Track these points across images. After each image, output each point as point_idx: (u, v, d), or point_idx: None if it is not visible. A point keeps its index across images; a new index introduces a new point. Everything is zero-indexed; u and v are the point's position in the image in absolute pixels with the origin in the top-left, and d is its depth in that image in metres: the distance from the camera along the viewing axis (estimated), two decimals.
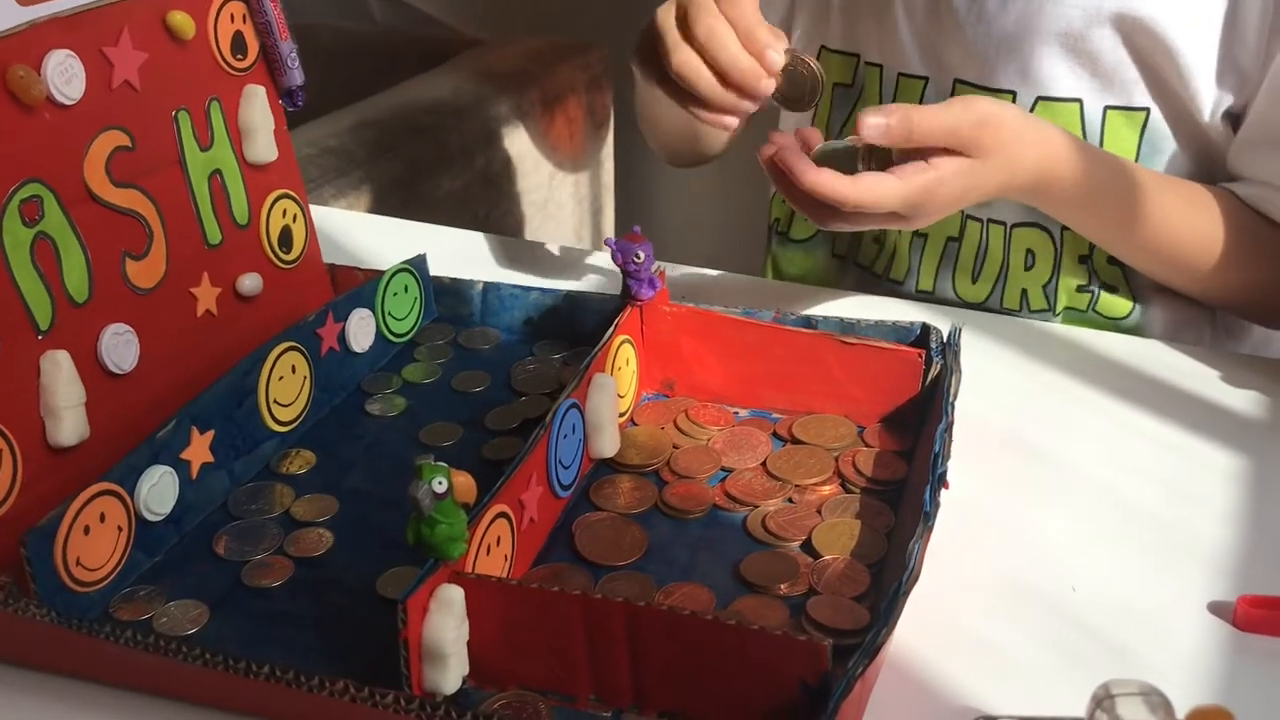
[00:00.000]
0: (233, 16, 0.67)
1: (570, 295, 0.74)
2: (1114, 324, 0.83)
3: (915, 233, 0.85)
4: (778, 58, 0.64)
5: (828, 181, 0.61)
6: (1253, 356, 0.74)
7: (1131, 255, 0.78)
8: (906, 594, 0.46)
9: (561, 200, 1.66)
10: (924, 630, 0.50)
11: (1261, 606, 0.51)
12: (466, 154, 1.45)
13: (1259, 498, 0.60)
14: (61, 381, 0.56)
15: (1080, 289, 0.83)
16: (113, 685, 0.49)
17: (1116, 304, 0.83)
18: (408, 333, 0.75)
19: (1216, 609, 0.52)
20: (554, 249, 0.92)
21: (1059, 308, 0.83)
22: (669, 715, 0.47)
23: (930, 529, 0.50)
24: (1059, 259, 0.82)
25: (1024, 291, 0.83)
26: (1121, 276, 0.82)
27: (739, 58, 0.64)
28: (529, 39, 1.72)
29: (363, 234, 0.92)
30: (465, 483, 0.47)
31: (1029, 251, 0.82)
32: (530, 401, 0.68)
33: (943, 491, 0.52)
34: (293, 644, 0.51)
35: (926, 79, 0.82)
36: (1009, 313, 0.84)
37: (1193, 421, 0.66)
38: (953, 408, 0.58)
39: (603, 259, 0.89)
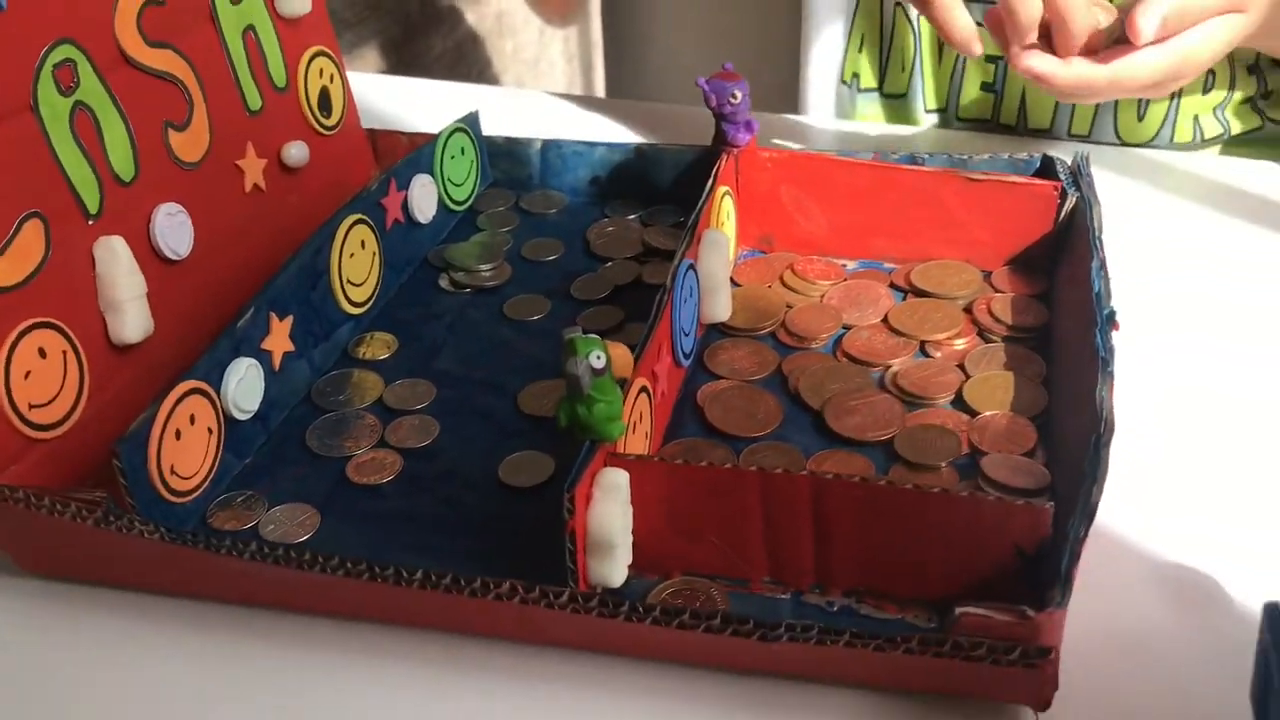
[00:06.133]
0: None
1: (640, 149, 0.68)
2: (1278, 125, 0.78)
3: None
4: None
5: (1080, 74, 0.57)
6: None
7: None
8: (1107, 446, 0.42)
9: (553, 58, 1.57)
10: (1115, 484, 0.45)
11: None
12: (456, 11, 1.36)
13: None
14: (121, 271, 0.49)
15: (1246, 102, 0.78)
16: (223, 602, 0.44)
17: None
18: (466, 199, 0.68)
19: None
20: (570, 99, 0.85)
21: (1234, 131, 0.78)
22: (855, 594, 0.43)
23: (1112, 375, 0.46)
24: (1234, 73, 0.76)
25: (1196, 119, 0.77)
26: None
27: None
28: None
29: (380, 96, 0.85)
30: (622, 356, 0.42)
31: (1209, 72, 0.75)
32: (617, 267, 0.63)
33: (1113, 334, 0.48)
34: (418, 544, 0.46)
35: None
36: (1183, 148, 0.78)
37: None
38: (1101, 243, 0.53)
39: (634, 107, 0.83)
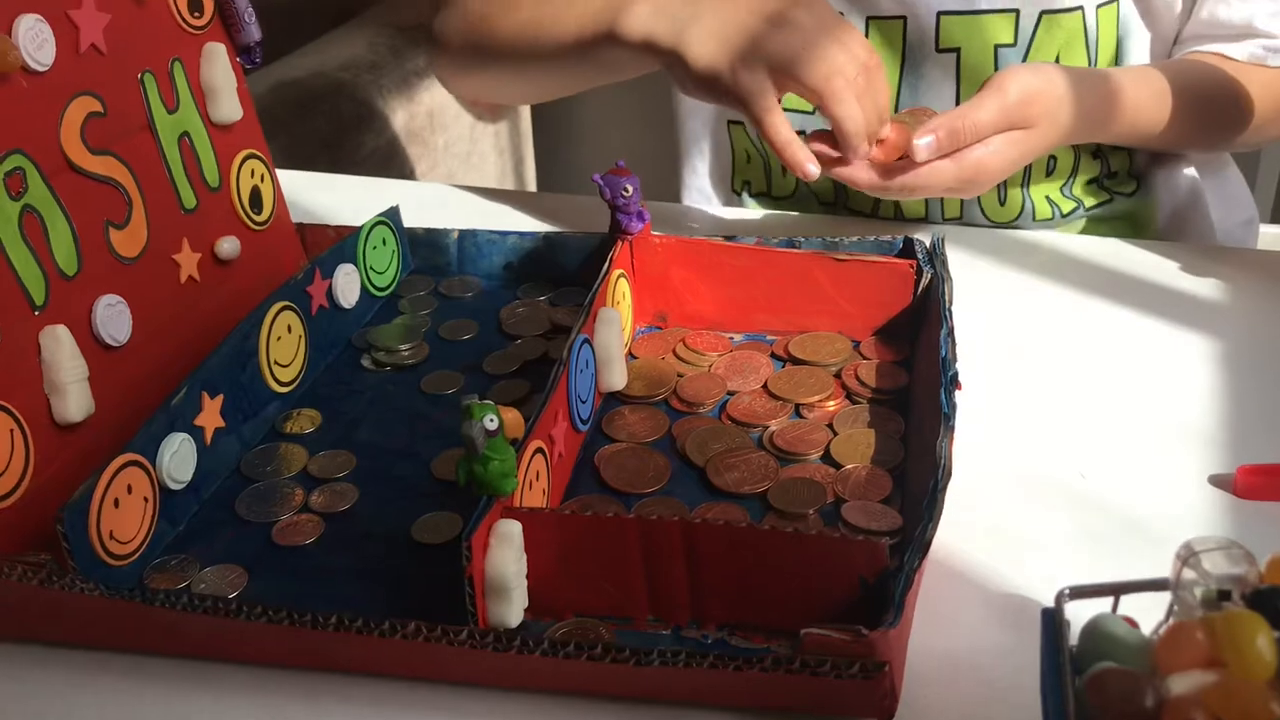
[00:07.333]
0: None
1: (548, 237, 0.74)
2: (1126, 198, 0.87)
3: None
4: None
5: (878, 183, 0.70)
6: (1206, 246, 0.78)
7: (1171, 142, 0.82)
8: (944, 490, 0.48)
9: (484, 151, 1.65)
10: (956, 523, 0.52)
11: (1259, 475, 0.54)
12: (388, 109, 1.42)
13: (1237, 376, 0.64)
14: (64, 356, 0.54)
15: (1092, 181, 0.86)
16: (160, 655, 0.49)
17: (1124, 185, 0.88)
18: (389, 286, 0.74)
19: (1217, 481, 0.55)
20: (492, 194, 0.91)
21: (1087, 205, 0.86)
22: (727, 627, 0.48)
23: (952, 429, 0.52)
24: (1078, 158, 0.85)
25: (1048, 198, 0.85)
26: (1126, 158, 0.87)
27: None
28: None
29: (312, 193, 0.91)
30: (514, 419, 0.47)
31: (1051, 158, 0.84)
32: (526, 344, 0.69)
33: (956, 393, 0.54)
34: (339, 597, 0.51)
35: (904, 19, 0.80)
36: (1044, 225, 0.86)
37: (1162, 311, 0.70)
38: (951, 313, 0.60)
39: (549, 200, 0.89)
